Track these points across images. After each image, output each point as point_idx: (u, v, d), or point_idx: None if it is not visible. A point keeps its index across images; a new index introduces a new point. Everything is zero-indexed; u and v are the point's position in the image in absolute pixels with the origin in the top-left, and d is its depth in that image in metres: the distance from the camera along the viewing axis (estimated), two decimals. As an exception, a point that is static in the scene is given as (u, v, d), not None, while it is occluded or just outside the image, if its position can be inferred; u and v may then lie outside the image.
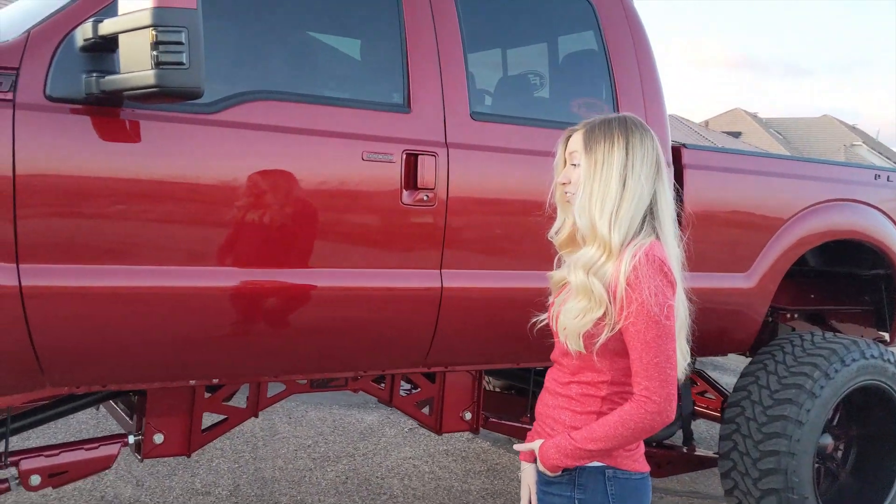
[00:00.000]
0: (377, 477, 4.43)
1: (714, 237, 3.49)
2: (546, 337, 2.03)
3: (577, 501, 1.90)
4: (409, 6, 2.82)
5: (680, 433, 3.98)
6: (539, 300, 2.10)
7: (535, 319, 2.06)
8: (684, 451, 3.96)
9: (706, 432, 5.31)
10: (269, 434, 4.97)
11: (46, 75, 2.22)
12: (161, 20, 2.02)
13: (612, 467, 1.90)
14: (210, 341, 2.54)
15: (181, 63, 2.03)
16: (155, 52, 2.01)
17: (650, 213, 1.90)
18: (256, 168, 2.50)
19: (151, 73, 2.03)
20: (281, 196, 2.56)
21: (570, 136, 1.98)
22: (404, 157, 2.71)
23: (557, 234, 2.02)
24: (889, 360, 3.67)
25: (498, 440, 5.12)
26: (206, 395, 2.94)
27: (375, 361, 2.96)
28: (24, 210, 2.19)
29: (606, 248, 1.85)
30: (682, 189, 3.32)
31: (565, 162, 1.98)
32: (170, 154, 2.39)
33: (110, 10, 2.26)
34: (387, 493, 4.21)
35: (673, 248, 1.92)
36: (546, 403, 1.99)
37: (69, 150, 2.25)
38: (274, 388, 3.11)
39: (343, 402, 5.67)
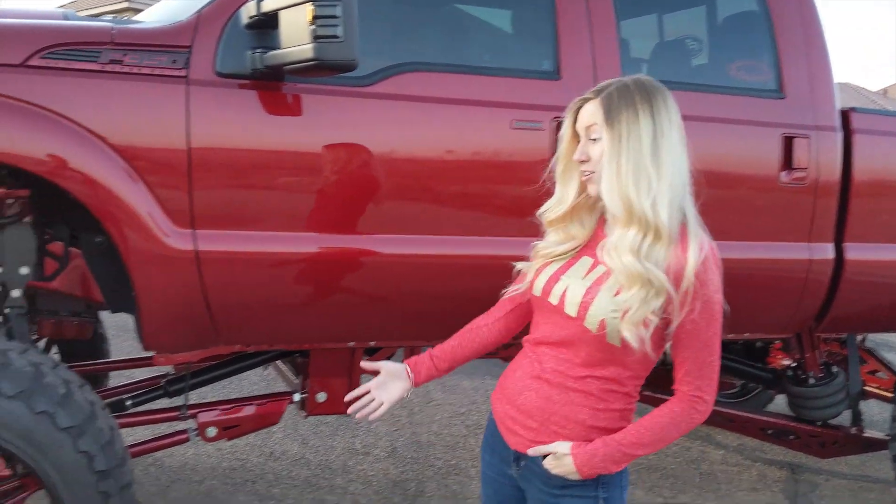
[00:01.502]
0: (529, 446, 4.47)
1: (887, 206, 3.27)
2: None
3: (601, 500, 1.80)
4: (559, -27, 2.80)
5: (847, 413, 3.78)
6: None
7: (505, 290, 1.96)
8: (852, 431, 3.75)
9: (878, 414, 5.00)
10: (424, 401, 5.12)
11: (215, 52, 2.38)
12: (318, -5, 2.11)
13: None
14: (370, 306, 2.65)
15: (336, 36, 2.12)
16: (312, 27, 2.11)
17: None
18: (410, 138, 2.58)
19: (309, 46, 2.14)
20: (434, 165, 2.62)
21: (580, 107, 1.80)
22: (554, 125, 2.71)
23: (552, 210, 1.85)
24: None
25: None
26: (365, 357, 3.08)
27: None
28: (197, 180, 2.37)
29: (652, 230, 1.67)
30: (852, 156, 3.13)
31: (575, 135, 1.81)
32: (328, 126, 2.50)
33: (272, -11, 2.39)
34: (538, 462, 4.25)
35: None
36: (549, 398, 1.80)
37: (236, 123, 2.41)
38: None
39: (495, 372, 5.73)
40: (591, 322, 1.72)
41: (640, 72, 3.14)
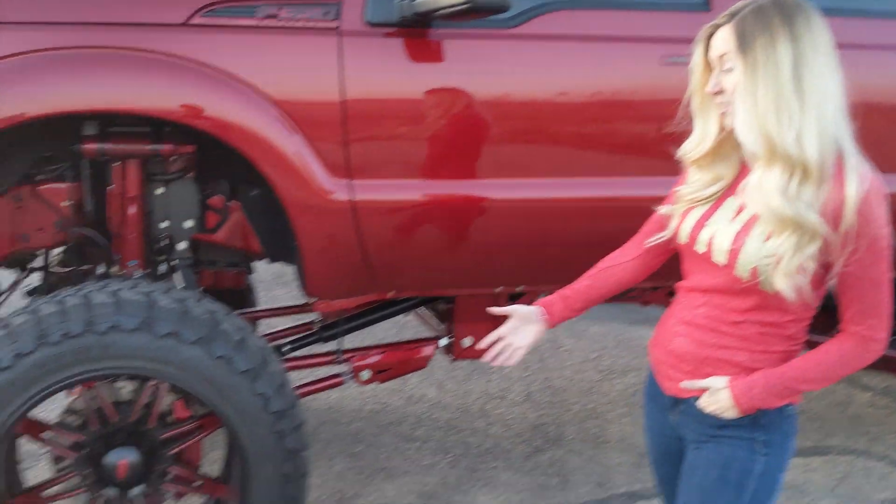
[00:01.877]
0: (666, 390, 4.44)
1: None
2: None
3: (760, 444, 1.70)
4: None
5: None
6: None
7: (649, 241, 1.89)
8: None
9: None
10: (553, 347, 5.13)
11: (365, 2, 2.40)
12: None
13: (791, 404, 1.71)
14: (522, 251, 2.66)
15: (489, -21, 2.10)
16: (465, -30, 2.10)
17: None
18: (558, 78, 2.55)
19: (463, -9, 2.12)
20: (581, 106, 2.59)
21: (711, 34, 1.65)
22: (705, 58, 2.61)
23: (694, 149, 1.72)
24: None
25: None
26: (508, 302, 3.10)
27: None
28: (352, 131, 2.41)
29: (799, 167, 1.53)
30: None
31: (707, 65, 1.67)
32: (476, 71, 2.49)
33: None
34: (677, 406, 4.21)
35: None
36: (701, 342, 1.72)
37: (387, 72, 2.43)
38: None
39: (624, 318, 5.69)
40: (742, 270, 1.62)
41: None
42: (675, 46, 2.59)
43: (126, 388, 2.42)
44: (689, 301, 1.76)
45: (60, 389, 2.20)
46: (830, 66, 1.58)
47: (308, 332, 3.11)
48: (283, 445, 2.32)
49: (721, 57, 1.62)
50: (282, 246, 2.71)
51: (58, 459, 2.45)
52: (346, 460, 3.58)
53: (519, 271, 2.77)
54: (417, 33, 2.44)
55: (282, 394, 2.33)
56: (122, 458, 2.34)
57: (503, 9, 2.19)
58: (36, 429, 2.34)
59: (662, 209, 1.86)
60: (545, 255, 2.73)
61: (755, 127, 1.56)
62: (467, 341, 3.06)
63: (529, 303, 3.12)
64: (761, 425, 1.70)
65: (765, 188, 1.57)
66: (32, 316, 2.17)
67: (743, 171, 1.71)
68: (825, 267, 1.60)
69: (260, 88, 2.33)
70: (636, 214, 2.66)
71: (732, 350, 1.69)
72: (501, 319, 3.06)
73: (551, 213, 2.62)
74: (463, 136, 2.51)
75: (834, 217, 1.54)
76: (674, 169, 2.60)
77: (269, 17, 2.34)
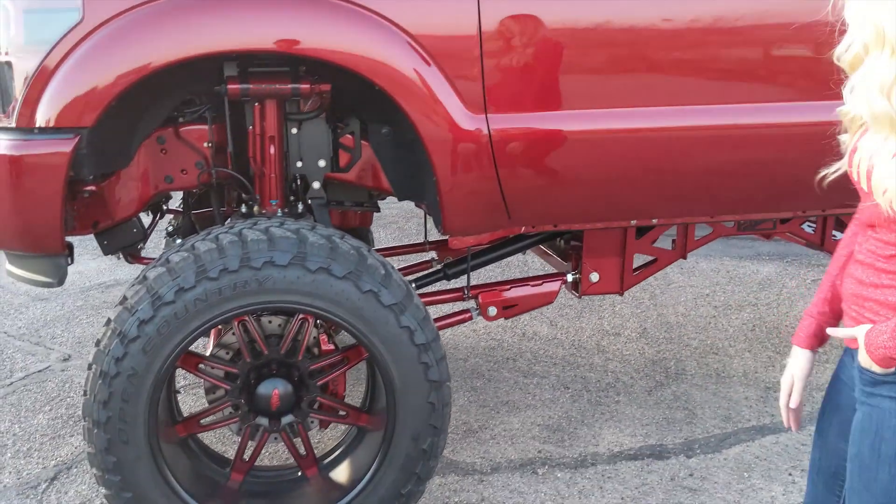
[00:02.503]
0: (786, 326, 4.35)
1: None
2: None
3: None
4: None
5: None
6: None
7: (825, 171, 1.65)
8: None
9: None
10: (663, 283, 5.07)
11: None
12: None
13: None
14: (656, 182, 2.62)
15: None
16: None
17: None
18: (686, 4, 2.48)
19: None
20: (726, 30, 2.52)
21: None
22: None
23: (847, 51, 1.54)
24: None
25: None
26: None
27: (814, 201, 2.85)
28: (488, 64, 2.39)
29: None
30: None
31: None
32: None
33: None
34: (799, 342, 4.12)
35: None
36: (861, 281, 1.57)
37: (523, 1, 2.40)
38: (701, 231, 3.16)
39: (734, 253, 5.58)
40: (879, 196, 1.48)
41: None
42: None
43: (274, 322, 2.51)
44: (858, 236, 1.64)
45: (219, 324, 2.29)
46: None
47: (433, 270, 3.14)
48: (428, 376, 2.38)
49: None
50: (413, 184, 2.73)
51: (210, 391, 2.57)
52: (467, 394, 3.64)
53: (651, 203, 2.73)
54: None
55: (425, 327, 2.37)
56: (275, 388, 2.43)
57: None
58: (193, 361, 2.45)
59: (843, 137, 1.69)
60: (676, 187, 2.68)
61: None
62: (594, 276, 3.05)
63: (656, 238, 3.10)
64: None
65: (868, 81, 1.44)
66: (191, 253, 2.25)
67: None
68: None
69: (399, 23, 2.32)
70: (767, 142, 2.61)
71: (885, 289, 1.53)
72: (630, 254, 3.05)
73: (686, 142, 2.57)
74: (594, 66, 2.47)
75: None
76: (798, 93, 2.55)
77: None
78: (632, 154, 2.53)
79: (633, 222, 2.83)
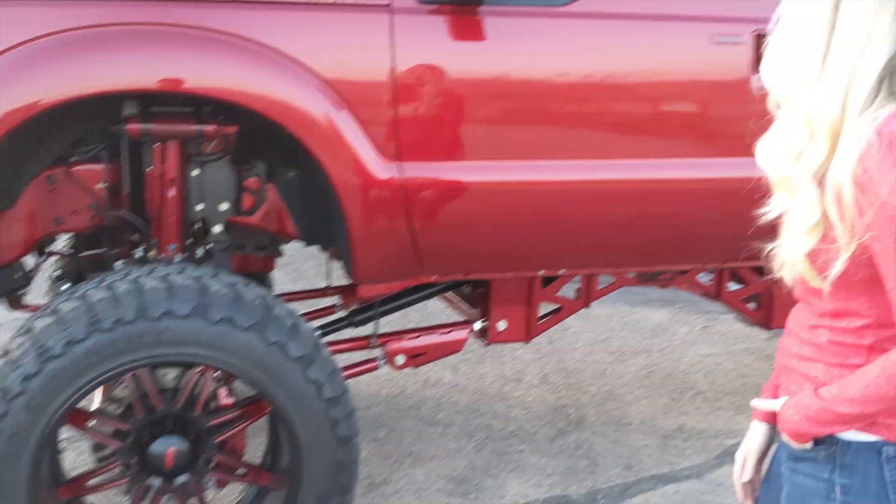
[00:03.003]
0: (679, 372, 4.45)
1: None
2: None
3: (838, 488, 1.35)
4: None
5: None
6: None
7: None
8: None
9: None
10: (560, 328, 5.10)
11: (417, -20, 2.35)
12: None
13: (893, 443, 1.32)
14: (563, 234, 2.64)
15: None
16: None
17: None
18: (607, 58, 2.52)
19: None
20: (627, 87, 2.56)
21: None
22: (753, 38, 2.59)
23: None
24: None
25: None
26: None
27: (713, 255, 2.93)
28: (403, 111, 2.36)
29: (808, 123, 1.25)
30: None
31: None
32: (526, 50, 2.46)
33: None
34: (693, 389, 4.22)
35: None
36: (788, 352, 1.44)
37: (438, 50, 2.38)
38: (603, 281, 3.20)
39: (626, 299, 5.68)
40: (776, 267, 1.38)
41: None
42: (727, 25, 2.59)
43: (169, 375, 2.36)
44: (793, 309, 1.49)
45: (112, 378, 2.14)
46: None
47: (340, 317, 3.06)
48: (336, 433, 2.28)
49: None
50: (321, 229, 2.66)
51: (97, 448, 2.39)
52: (370, 445, 3.54)
53: (561, 254, 2.75)
54: (468, 10, 2.39)
55: (334, 380, 2.29)
56: (169, 447, 2.28)
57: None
58: (81, 418, 2.28)
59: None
60: (587, 238, 2.71)
61: (777, 67, 1.31)
62: (502, 325, 3.03)
63: (560, 287, 3.12)
64: (842, 465, 1.36)
65: (773, 143, 1.33)
66: (82, 302, 2.10)
67: None
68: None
69: (311, 67, 2.26)
70: (681, 197, 2.68)
71: (808, 362, 1.40)
72: (535, 303, 3.06)
73: (586, 195, 2.60)
74: (509, 117, 2.48)
75: (835, 189, 1.23)
76: (717, 148, 2.63)
77: (320, -7, 2.28)
78: (533, 206, 2.55)
79: (542, 272, 2.83)
